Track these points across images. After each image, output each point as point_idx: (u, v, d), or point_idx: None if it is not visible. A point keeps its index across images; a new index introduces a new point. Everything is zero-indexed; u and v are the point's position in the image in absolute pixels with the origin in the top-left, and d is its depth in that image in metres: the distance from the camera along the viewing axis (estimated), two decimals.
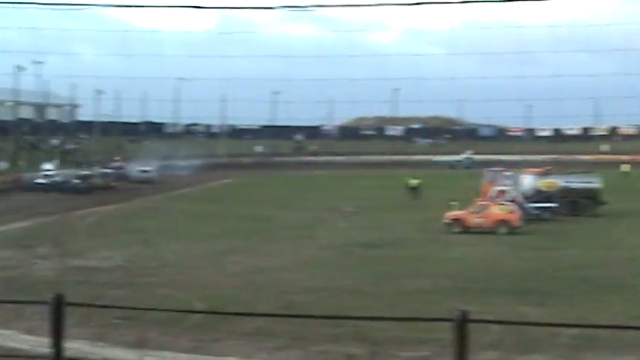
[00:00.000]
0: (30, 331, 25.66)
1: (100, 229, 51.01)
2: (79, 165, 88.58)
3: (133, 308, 28.52)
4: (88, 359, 21.46)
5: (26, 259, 39.85)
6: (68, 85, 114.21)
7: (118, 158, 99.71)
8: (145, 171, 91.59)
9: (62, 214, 58.10)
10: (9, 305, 28.44)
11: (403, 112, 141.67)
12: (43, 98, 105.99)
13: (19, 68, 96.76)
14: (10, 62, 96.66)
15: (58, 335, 9.65)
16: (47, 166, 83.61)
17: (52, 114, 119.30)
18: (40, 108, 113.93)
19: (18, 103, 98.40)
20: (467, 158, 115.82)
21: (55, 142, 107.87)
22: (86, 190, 75.64)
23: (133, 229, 49.65)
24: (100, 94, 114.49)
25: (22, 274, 35.96)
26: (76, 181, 78.80)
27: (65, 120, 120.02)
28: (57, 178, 79.46)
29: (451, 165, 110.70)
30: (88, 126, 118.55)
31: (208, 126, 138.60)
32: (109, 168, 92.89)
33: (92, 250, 42.81)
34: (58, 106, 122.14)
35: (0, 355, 22.12)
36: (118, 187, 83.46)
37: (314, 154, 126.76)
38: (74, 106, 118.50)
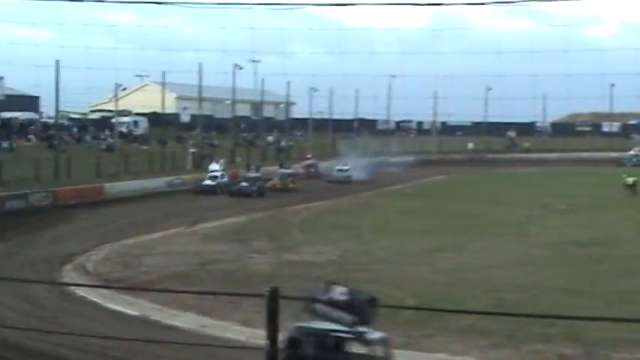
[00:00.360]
0: (246, 323, 26.50)
1: (313, 224, 51.88)
2: (248, 166, 78.56)
3: None
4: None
5: (242, 252, 41.05)
6: (284, 83, 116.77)
7: (309, 155, 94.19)
8: (342, 170, 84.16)
9: (276, 209, 59.42)
10: (226, 297, 29.39)
11: (620, 107, 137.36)
12: (259, 96, 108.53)
13: (238, 67, 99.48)
14: (229, 61, 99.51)
15: (273, 328, 9.94)
16: (213, 166, 75.18)
17: (268, 112, 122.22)
18: (256, 106, 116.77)
19: (236, 102, 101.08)
20: (634, 155, 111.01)
21: (270, 139, 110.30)
22: (257, 193, 68.82)
23: (345, 225, 50.23)
24: (314, 92, 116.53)
25: (239, 267, 37.09)
26: (244, 184, 70.88)
27: (281, 117, 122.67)
28: (223, 180, 72.17)
29: (619, 162, 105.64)
30: (302, 123, 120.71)
31: (420, 123, 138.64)
32: (298, 167, 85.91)
33: (305, 244, 43.64)
34: (274, 103, 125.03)
35: (217, 346, 22.87)
36: (307, 187, 76.80)
37: (527, 150, 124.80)
38: (289, 104, 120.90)
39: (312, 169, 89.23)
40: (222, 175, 72.96)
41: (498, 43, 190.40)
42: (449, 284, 32.78)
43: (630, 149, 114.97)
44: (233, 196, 67.78)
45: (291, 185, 76.12)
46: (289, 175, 78.69)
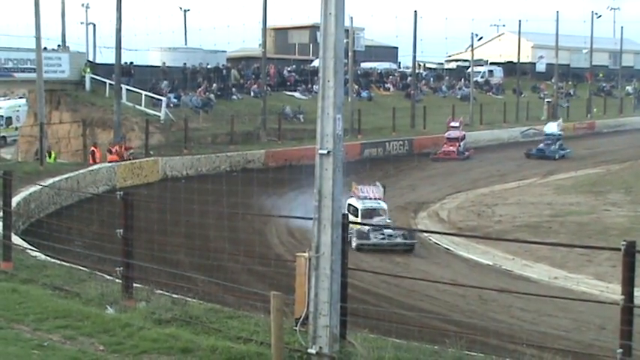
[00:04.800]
0: (599, 277, 26.05)
1: None
2: None
3: None
4: None
5: (597, 205, 40.15)
6: None
7: (455, 124, 59.23)
8: None
9: (633, 161, 57.36)
10: (579, 250, 28.96)
11: None
12: (618, 45, 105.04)
13: (596, 15, 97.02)
14: (587, 9, 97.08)
15: (629, 283, 9.73)
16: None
17: (628, 60, 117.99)
18: (615, 55, 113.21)
19: (594, 50, 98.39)
20: None
21: (629, 89, 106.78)
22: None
23: None
24: None
25: (593, 220, 36.33)
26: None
27: None
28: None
29: None
30: None
31: None
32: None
33: None
34: (634, 52, 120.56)
35: (570, 299, 22.60)
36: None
37: None
38: None
39: (458, 145, 58.16)
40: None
41: None
42: None
43: None
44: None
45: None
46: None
